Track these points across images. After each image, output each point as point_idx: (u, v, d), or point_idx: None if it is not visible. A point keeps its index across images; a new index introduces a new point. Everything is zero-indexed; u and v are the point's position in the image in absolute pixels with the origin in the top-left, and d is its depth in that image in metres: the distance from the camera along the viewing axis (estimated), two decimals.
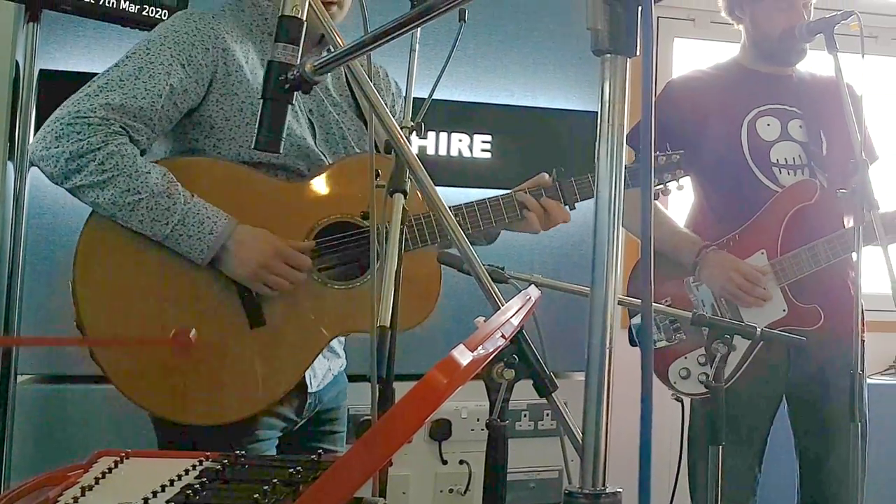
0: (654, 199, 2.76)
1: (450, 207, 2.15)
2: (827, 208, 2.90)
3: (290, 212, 2.16)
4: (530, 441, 3.39)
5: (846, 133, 2.66)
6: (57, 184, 2.02)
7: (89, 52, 3.09)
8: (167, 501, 1.22)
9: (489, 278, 1.48)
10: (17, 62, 3.01)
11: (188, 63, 2.08)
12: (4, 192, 2.99)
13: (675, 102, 3.05)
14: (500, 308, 1.35)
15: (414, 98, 1.85)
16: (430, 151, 3.46)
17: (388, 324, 1.45)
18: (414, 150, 1.58)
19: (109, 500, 1.28)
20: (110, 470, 1.37)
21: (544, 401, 1.41)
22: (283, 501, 1.22)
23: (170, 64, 2.06)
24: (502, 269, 1.99)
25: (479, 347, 0.95)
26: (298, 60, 1.35)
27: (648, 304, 1.03)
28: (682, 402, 2.79)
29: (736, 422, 2.82)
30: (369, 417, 1.46)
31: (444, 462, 3.36)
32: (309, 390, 2.20)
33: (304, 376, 2.17)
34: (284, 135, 1.38)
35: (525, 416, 3.43)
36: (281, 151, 1.38)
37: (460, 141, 3.51)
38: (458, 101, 3.49)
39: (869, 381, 2.60)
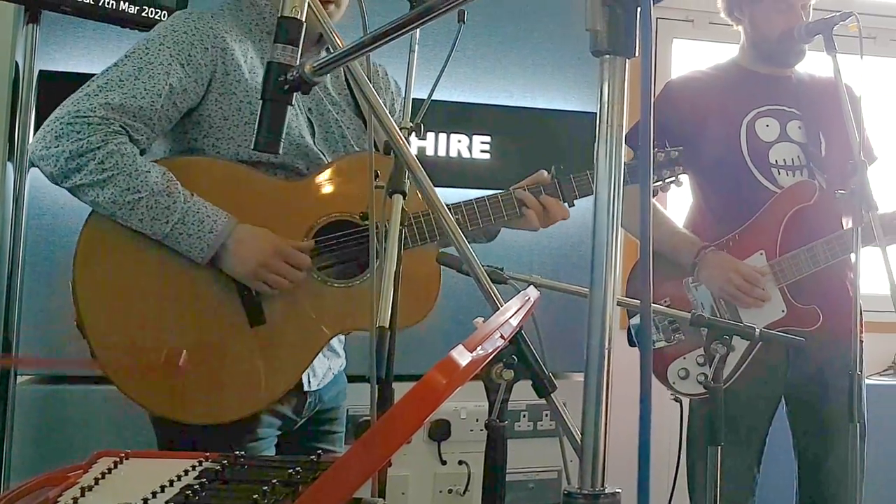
0: (653, 196, 2.77)
1: (449, 205, 2.16)
2: (826, 209, 2.90)
3: (289, 211, 2.16)
4: (529, 441, 3.39)
5: (845, 134, 2.66)
6: (57, 183, 2.02)
7: (89, 53, 3.09)
8: (167, 502, 1.22)
9: (488, 279, 1.48)
10: (16, 63, 3.02)
11: (187, 63, 2.08)
12: (4, 192, 2.99)
13: (674, 103, 3.05)
14: (499, 309, 1.35)
15: (413, 99, 1.86)
16: (430, 152, 3.46)
17: (387, 324, 1.45)
18: (413, 150, 1.59)
19: (109, 501, 1.28)
20: (110, 470, 1.37)
21: (543, 401, 1.41)
22: (283, 502, 1.22)
23: (169, 63, 2.06)
24: (501, 269, 1.99)
25: (479, 348, 0.95)
26: (298, 61, 1.35)
27: (647, 304, 1.03)
28: (680, 402, 2.80)
29: (735, 422, 2.82)
30: (368, 418, 1.46)
31: (444, 462, 3.36)
32: (305, 389, 2.20)
33: (304, 375, 2.17)
34: (283, 135, 1.38)
35: (524, 416, 3.43)
36: (280, 152, 1.39)
37: (459, 142, 3.51)
38: (457, 102, 3.50)
39: (867, 381, 2.60)
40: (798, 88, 3.05)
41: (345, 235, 2.17)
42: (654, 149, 2.35)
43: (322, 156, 2.22)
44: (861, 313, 2.57)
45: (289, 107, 1.37)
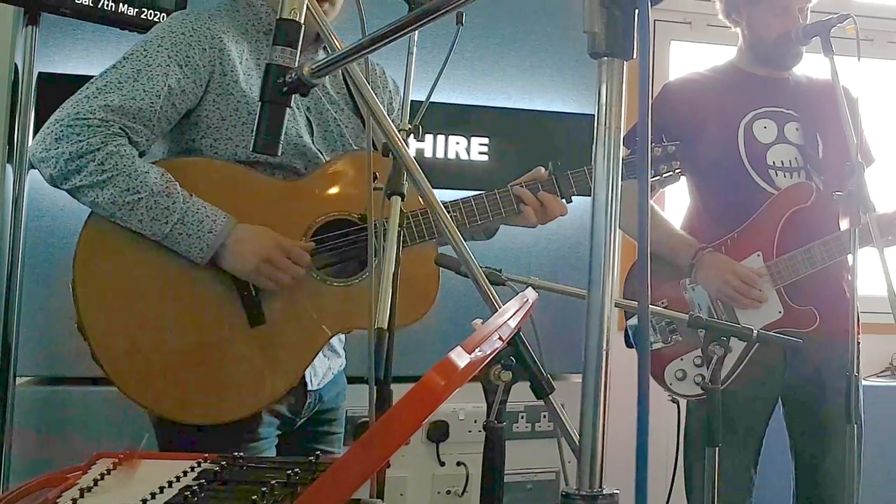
0: (651, 192, 2.77)
1: (447, 203, 2.16)
2: (823, 211, 2.91)
3: (287, 210, 2.16)
4: (527, 443, 3.39)
5: (842, 136, 2.67)
6: (56, 185, 2.03)
7: (88, 55, 3.09)
8: (165, 503, 1.23)
9: (486, 280, 1.49)
10: (15, 65, 3.02)
11: (185, 64, 2.08)
12: (4, 194, 2.99)
13: (671, 105, 3.05)
14: (497, 310, 1.36)
15: (411, 100, 1.86)
16: (428, 154, 3.47)
17: (385, 325, 1.45)
18: (411, 152, 1.59)
19: (108, 502, 1.28)
20: (109, 471, 1.37)
21: (541, 402, 1.42)
22: (282, 503, 1.22)
23: (167, 65, 2.07)
24: (499, 271, 1.99)
25: (477, 349, 0.95)
26: (296, 63, 1.35)
27: (645, 306, 1.03)
28: (678, 403, 2.79)
29: (732, 423, 2.82)
30: (367, 419, 1.46)
31: (442, 463, 3.36)
32: (309, 388, 2.20)
33: (305, 374, 2.18)
34: (282, 136, 1.38)
35: (522, 417, 3.43)
36: (279, 154, 1.39)
37: (458, 143, 3.51)
38: (455, 104, 3.50)
39: (864, 382, 2.61)
40: (795, 90, 3.05)
41: (343, 235, 2.18)
42: (650, 145, 2.35)
43: (320, 155, 2.22)
44: (858, 315, 2.57)
45: (287, 108, 1.38)
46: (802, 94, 3.04)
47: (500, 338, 1.09)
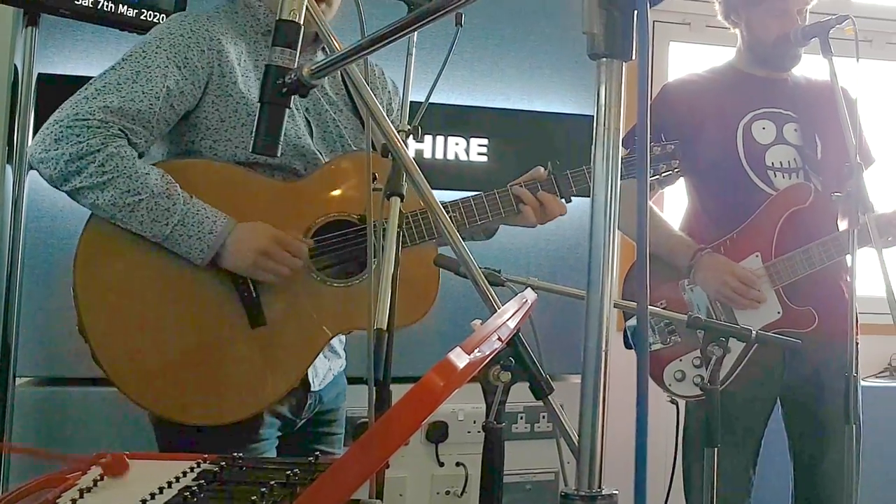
0: (650, 192, 2.77)
1: (446, 203, 2.16)
2: (821, 211, 2.91)
3: (287, 211, 2.16)
4: (527, 443, 3.39)
5: (841, 137, 2.67)
6: (56, 186, 2.03)
7: (87, 56, 3.09)
8: (165, 503, 1.23)
9: (485, 281, 1.49)
10: (15, 66, 3.02)
11: (184, 65, 2.08)
12: (3, 195, 2.99)
13: (670, 106, 3.05)
14: (496, 311, 1.36)
15: (411, 101, 1.86)
16: (427, 155, 3.47)
17: (385, 326, 1.45)
18: (411, 153, 1.59)
19: (107, 502, 1.28)
20: (102, 477, 1.37)
21: (541, 403, 1.42)
22: (281, 503, 1.23)
23: (166, 66, 2.07)
24: (498, 272, 2.00)
25: (476, 350, 0.95)
26: (296, 64, 1.35)
27: (644, 306, 1.04)
28: (677, 404, 2.80)
29: (731, 424, 2.83)
30: (366, 420, 1.46)
31: (441, 464, 3.37)
32: (311, 389, 2.21)
33: (307, 375, 2.18)
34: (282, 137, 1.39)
35: (521, 418, 3.44)
36: (278, 155, 1.39)
37: (457, 144, 3.52)
38: (454, 105, 3.50)
39: (863, 383, 2.61)
40: (794, 91, 3.06)
41: (343, 235, 2.18)
42: (649, 143, 2.35)
43: (320, 156, 2.23)
44: (857, 315, 2.57)
45: (286, 108, 1.38)
46: (801, 95, 3.04)
47: (500, 338, 1.09)
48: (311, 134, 2.24)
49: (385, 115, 1.56)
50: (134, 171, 2.00)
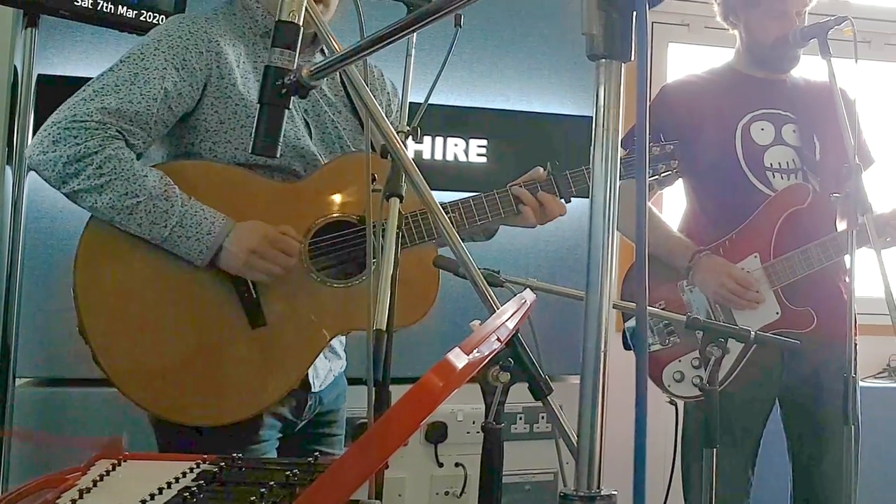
0: (649, 192, 2.77)
1: (445, 204, 2.16)
2: (819, 212, 2.91)
3: (286, 213, 2.16)
4: (525, 444, 3.39)
5: (840, 138, 2.68)
6: (55, 188, 2.03)
7: (87, 57, 3.10)
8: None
9: (484, 282, 1.49)
10: (15, 67, 3.02)
11: (182, 67, 2.08)
12: (3, 196, 2.99)
13: (669, 107, 3.06)
14: (495, 312, 1.36)
15: (410, 102, 1.86)
16: (426, 156, 3.47)
17: (384, 327, 1.46)
18: (410, 154, 1.59)
19: (107, 503, 1.28)
20: (108, 472, 1.37)
21: (539, 404, 1.42)
22: None
23: (164, 68, 2.07)
24: (498, 272, 2.00)
25: (475, 351, 0.95)
26: (295, 64, 1.36)
27: (643, 307, 1.04)
28: (676, 405, 2.80)
29: (729, 424, 2.83)
30: (365, 420, 1.47)
31: (440, 465, 3.37)
32: (312, 390, 2.21)
33: (308, 376, 2.18)
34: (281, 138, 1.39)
35: (520, 418, 3.44)
36: (278, 155, 1.39)
37: (456, 145, 3.52)
38: (453, 106, 3.51)
39: (862, 384, 2.61)
40: (793, 92, 3.06)
41: (342, 236, 2.18)
42: (648, 143, 2.35)
43: (319, 157, 2.23)
44: (855, 316, 2.58)
45: (286, 109, 1.38)
46: (800, 96, 3.05)
47: (499, 339, 1.10)
48: (310, 135, 2.24)
49: (384, 115, 1.56)
50: (132, 174, 2.00)
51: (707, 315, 2.90)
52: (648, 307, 2.47)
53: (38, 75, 2.93)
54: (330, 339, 2.18)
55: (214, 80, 2.11)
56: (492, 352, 1.06)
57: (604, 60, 1.02)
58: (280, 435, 2.21)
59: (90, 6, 2.77)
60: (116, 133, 2.02)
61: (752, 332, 2.13)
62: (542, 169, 2.30)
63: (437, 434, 3.36)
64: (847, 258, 2.70)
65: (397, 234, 1.58)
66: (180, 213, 2.02)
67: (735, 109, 3.02)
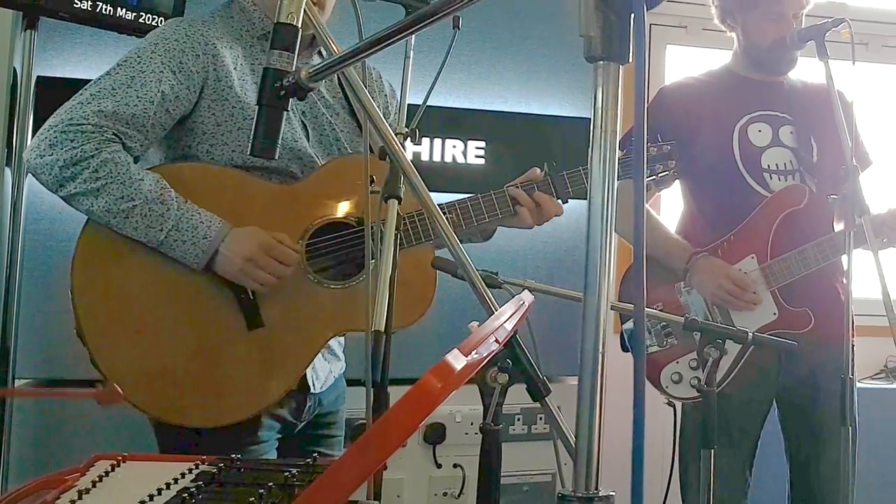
0: (646, 192, 2.77)
1: (442, 205, 2.16)
2: (816, 213, 2.92)
3: (284, 214, 2.16)
4: (524, 445, 3.40)
5: (837, 139, 2.68)
6: (52, 191, 2.03)
7: (86, 59, 3.10)
8: None
9: (483, 283, 1.49)
10: (14, 69, 3.03)
11: (179, 70, 2.09)
12: (2, 198, 2.99)
13: (667, 108, 3.06)
14: (493, 313, 1.36)
15: (408, 104, 1.87)
16: (425, 157, 3.48)
17: (382, 328, 1.46)
18: (408, 155, 1.60)
19: None
20: (107, 473, 1.38)
21: (538, 405, 1.42)
22: None
23: (161, 71, 2.07)
24: (496, 274, 2.00)
25: (473, 352, 0.96)
26: (294, 66, 1.36)
27: (641, 308, 1.04)
28: (674, 406, 2.80)
29: (727, 425, 2.83)
30: (364, 421, 1.46)
31: (439, 466, 3.37)
32: (311, 391, 2.21)
33: (307, 377, 2.18)
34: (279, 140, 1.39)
35: (518, 419, 3.44)
36: (276, 157, 1.39)
37: (454, 147, 3.52)
38: (452, 108, 3.51)
39: (859, 385, 2.61)
40: (790, 94, 3.06)
41: (340, 236, 2.18)
42: (646, 144, 2.35)
43: (316, 159, 2.23)
44: (853, 317, 2.58)
45: (284, 111, 1.38)
46: (797, 98, 3.05)
47: (497, 340, 1.10)
48: (307, 137, 2.24)
49: (382, 117, 1.56)
50: (128, 177, 2.00)
51: (705, 316, 2.91)
52: (646, 308, 2.48)
53: (38, 77, 2.93)
54: (328, 340, 2.18)
55: (211, 82, 2.12)
56: (490, 353, 1.06)
57: (602, 62, 1.02)
58: (279, 436, 2.21)
59: (89, 8, 2.77)
60: (113, 136, 2.02)
61: (750, 334, 2.13)
62: (538, 170, 2.30)
63: (435, 435, 3.36)
64: (844, 259, 2.71)
65: (396, 236, 1.58)
66: (176, 216, 2.02)
67: (732, 111, 3.02)
